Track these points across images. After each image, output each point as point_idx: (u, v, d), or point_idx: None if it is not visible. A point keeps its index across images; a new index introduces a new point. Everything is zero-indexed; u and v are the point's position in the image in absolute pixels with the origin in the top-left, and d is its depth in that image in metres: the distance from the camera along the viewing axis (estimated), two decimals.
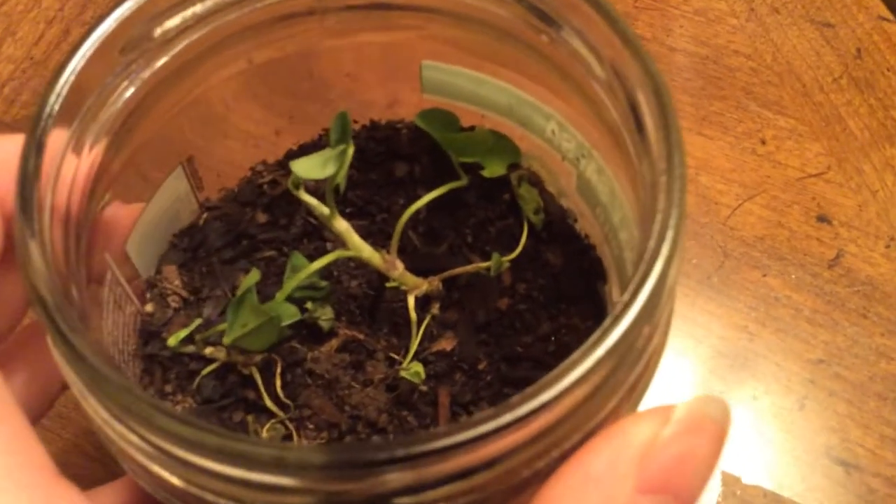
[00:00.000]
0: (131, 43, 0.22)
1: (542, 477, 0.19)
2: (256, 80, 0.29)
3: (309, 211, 0.31)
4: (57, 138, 0.20)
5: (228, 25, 0.25)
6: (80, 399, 0.19)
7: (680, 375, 0.39)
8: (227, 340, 0.25)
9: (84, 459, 0.35)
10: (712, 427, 0.18)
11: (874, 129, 0.43)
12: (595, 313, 0.31)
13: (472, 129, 0.31)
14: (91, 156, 0.22)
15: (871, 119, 0.44)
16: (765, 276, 0.40)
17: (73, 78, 0.20)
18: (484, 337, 0.30)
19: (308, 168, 0.24)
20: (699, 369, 0.39)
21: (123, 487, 0.25)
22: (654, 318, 0.19)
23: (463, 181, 0.30)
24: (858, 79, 0.45)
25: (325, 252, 0.31)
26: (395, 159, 0.32)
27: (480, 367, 0.30)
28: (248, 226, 0.31)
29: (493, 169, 0.31)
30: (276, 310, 0.25)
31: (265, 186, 0.31)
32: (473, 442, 0.17)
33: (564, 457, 0.18)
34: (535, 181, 0.32)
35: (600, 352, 0.17)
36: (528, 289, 0.31)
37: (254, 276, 0.26)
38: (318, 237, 0.31)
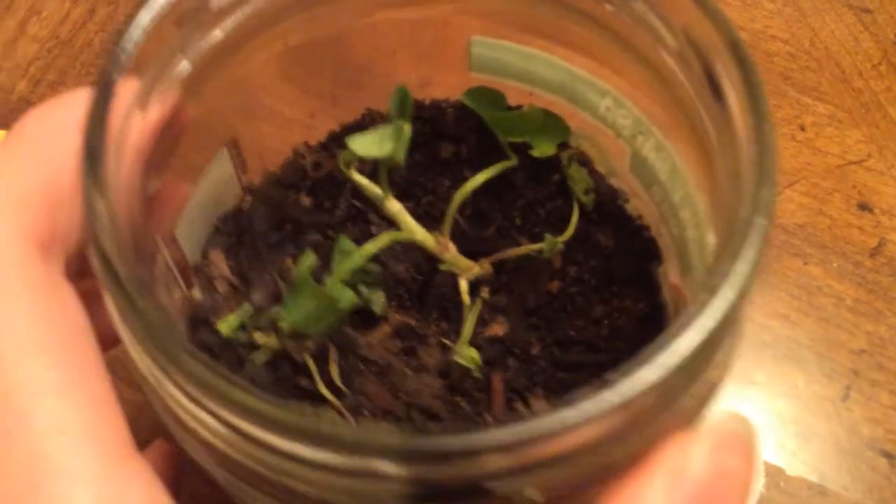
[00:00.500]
0: (188, 14, 0.21)
1: (634, 459, 0.18)
2: (291, 62, 0.28)
3: (354, 193, 0.31)
4: (121, 101, 0.19)
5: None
6: (147, 375, 0.19)
7: None
8: (285, 325, 0.24)
9: None
10: (740, 443, 0.18)
11: None
12: (647, 295, 0.30)
13: (519, 107, 0.31)
14: (149, 125, 0.21)
15: None
16: (806, 264, 0.39)
17: (130, 47, 0.19)
18: (535, 321, 0.30)
19: (366, 145, 0.24)
20: (741, 359, 0.38)
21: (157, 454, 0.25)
22: (751, 290, 0.18)
23: (513, 161, 0.29)
24: None
25: (370, 235, 0.30)
26: (440, 139, 0.31)
27: (533, 351, 0.29)
28: (292, 209, 0.30)
29: (543, 148, 0.30)
30: (335, 293, 0.24)
31: (308, 168, 0.31)
32: (578, 426, 0.16)
33: (663, 435, 0.18)
34: (585, 161, 0.31)
35: (708, 324, 0.17)
36: (580, 271, 0.30)
37: (310, 258, 0.25)
38: (363, 220, 0.31)
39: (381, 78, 0.32)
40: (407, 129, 0.24)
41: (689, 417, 0.20)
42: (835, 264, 0.39)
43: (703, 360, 0.18)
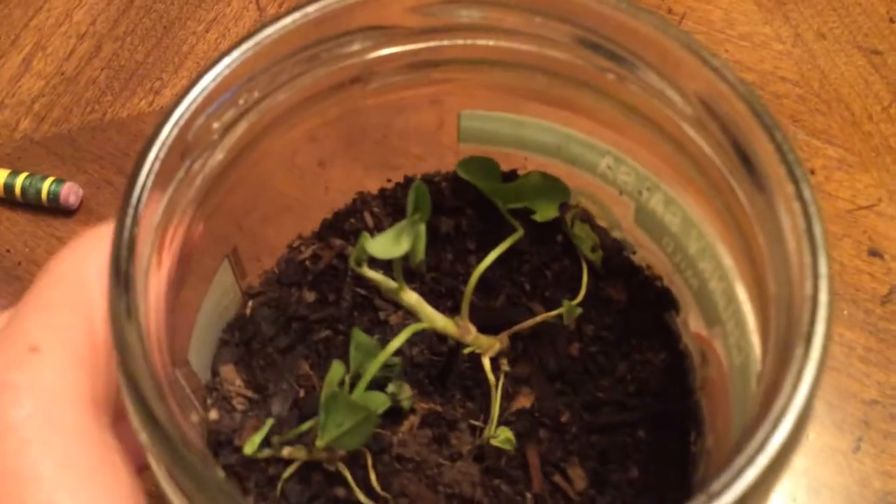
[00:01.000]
0: (191, 144, 0.20)
1: None
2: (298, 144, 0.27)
3: (356, 280, 0.30)
4: (144, 231, 0.18)
5: (279, 105, 0.23)
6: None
7: None
8: (321, 443, 0.23)
9: None
10: None
11: None
12: (667, 345, 0.30)
13: (513, 172, 0.30)
14: (169, 258, 0.20)
15: None
16: None
17: (145, 196, 0.18)
18: (560, 387, 0.29)
19: (384, 247, 0.23)
20: None
21: None
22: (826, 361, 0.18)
23: (520, 232, 0.28)
24: None
25: (379, 322, 0.29)
26: (438, 215, 0.30)
27: (563, 419, 0.29)
28: (297, 307, 0.29)
29: (545, 212, 0.29)
30: (368, 402, 0.23)
31: (307, 262, 0.29)
32: None
33: None
34: (586, 217, 0.30)
35: (799, 406, 0.16)
36: (597, 329, 0.30)
37: (338, 369, 0.24)
38: (370, 307, 0.29)
39: (392, 148, 0.30)
40: (422, 226, 0.23)
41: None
42: (845, 312, 0.38)
43: (796, 441, 0.17)
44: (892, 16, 0.47)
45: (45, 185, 0.39)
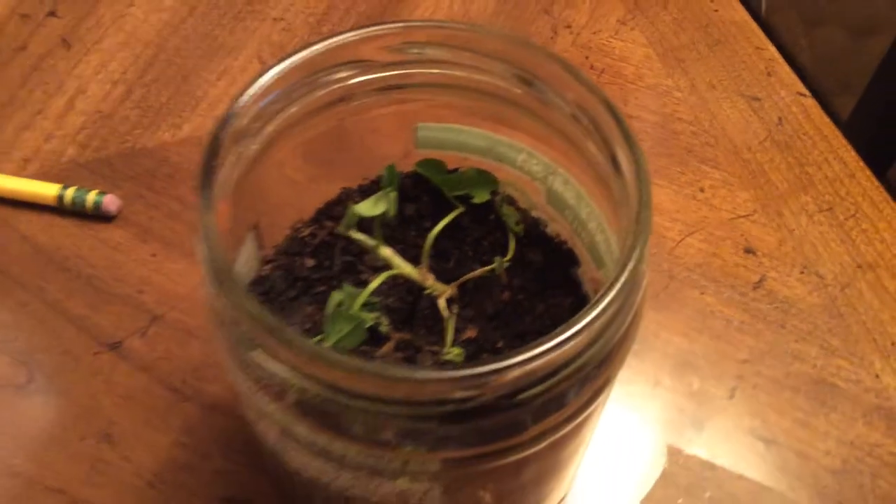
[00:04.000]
0: (237, 133, 0.31)
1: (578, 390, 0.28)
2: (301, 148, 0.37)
3: (344, 251, 0.40)
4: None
5: (290, 116, 0.33)
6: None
7: (634, 372, 0.48)
8: (327, 344, 0.33)
9: None
10: None
11: (791, 181, 0.54)
12: (573, 292, 0.40)
13: (456, 170, 0.41)
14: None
15: (789, 173, 0.54)
16: (702, 294, 0.49)
17: (215, 161, 0.29)
18: (496, 324, 0.39)
19: (367, 208, 0.33)
20: (649, 367, 0.47)
21: None
22: (640, 281, 0.28)
23: (460, 209, 0.39)
24: (779, 142, 0.56)
25: (361, 281, 0.40)
26: (404, 202, 0.41)
27: (499, 345, 0.39)
28: (300, 270, 0.39)
29: (480, 197, 0.40)
30: (361, 315, 0.33)
31: (306, 238, 0.40)
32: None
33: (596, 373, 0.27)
34: (511, 201, 0.41)
35: (616, 289, 0.27)
36: (521, 282, 0.40)
37: (337, 295, 0.34)
38: (354, 271, 0.40)
39: (368, 153, 0.41)
40: (394, 194, 0.33)
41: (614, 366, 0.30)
42: (725, 294, 0.49)
43: (619, 315, 0.28)
44: (769, 71, 0.60)
45: (90, 197, 0.49)
